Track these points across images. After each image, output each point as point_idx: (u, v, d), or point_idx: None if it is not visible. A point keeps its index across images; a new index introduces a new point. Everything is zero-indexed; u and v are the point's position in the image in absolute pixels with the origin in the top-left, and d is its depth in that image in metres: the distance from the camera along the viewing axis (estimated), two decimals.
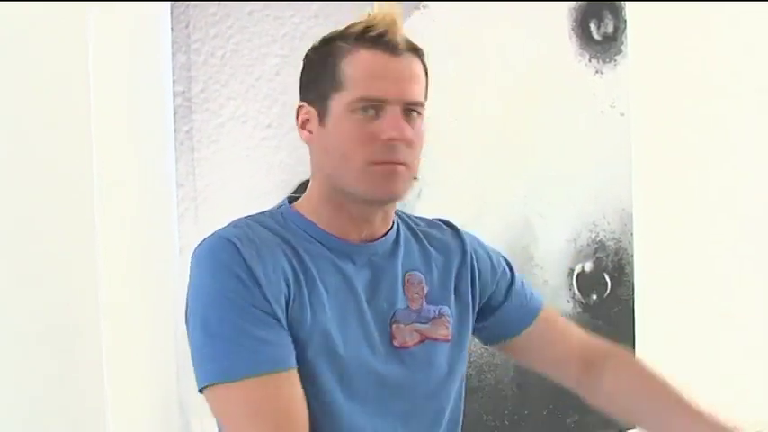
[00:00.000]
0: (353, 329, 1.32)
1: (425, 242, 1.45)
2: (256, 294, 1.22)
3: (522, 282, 1.59)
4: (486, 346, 2.73)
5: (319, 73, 1.32)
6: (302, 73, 1.37)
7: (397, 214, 1.45)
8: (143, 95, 2.26)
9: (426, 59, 1.37)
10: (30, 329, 2.14)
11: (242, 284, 1.22)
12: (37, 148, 2.15)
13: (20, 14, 2.08)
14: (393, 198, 1.33)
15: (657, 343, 3.16)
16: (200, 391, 1.23)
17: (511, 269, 1.57)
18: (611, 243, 3.06)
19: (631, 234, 3.09)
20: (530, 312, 1.57)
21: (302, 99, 1.36)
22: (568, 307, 2.97)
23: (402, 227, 1.44)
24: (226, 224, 1.33)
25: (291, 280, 1.26)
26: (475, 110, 2.75)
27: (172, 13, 2.23)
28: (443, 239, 1.48)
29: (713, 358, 3.37)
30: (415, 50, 1.33)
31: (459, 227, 1.54)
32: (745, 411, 3.46)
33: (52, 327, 2.17)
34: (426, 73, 1.36)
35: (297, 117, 1.36)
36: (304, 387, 1.25)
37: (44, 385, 2.17)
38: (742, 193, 3.47)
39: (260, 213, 1.37)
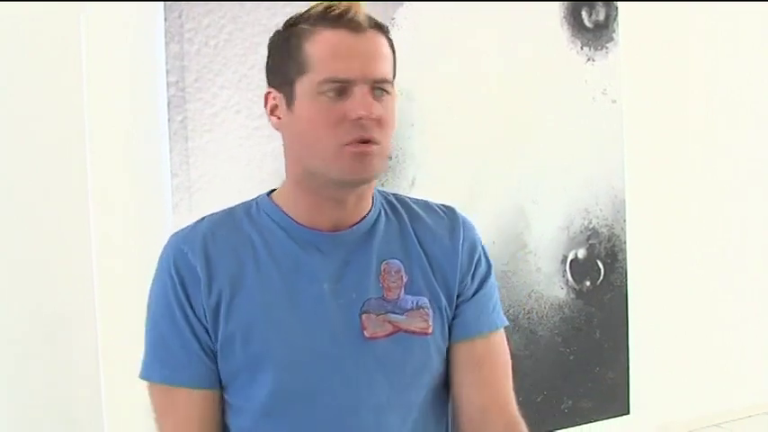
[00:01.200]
0: (304, 321, 1.29)
1: (411, 229, 1.38)
2: (187, 309, 1.29)
3: (490, 297, 1.42)
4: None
5: (284, 57, 1.29)
6: (268, 58, 1.33)
7: (387, 196, 1.41)
8: (137, 85, 2.25)
9: (391, 36, 1.31)
10: (23, 322, 2.15)
11: (175, 296, 1.29)
12: (30, 140, 2.15)
13: (14, 6, 2.08)
14: (366, 179, 1.28)
15: (650, 328, 3.18)
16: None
17: (487, 276, 1.42)
18: (604, 230, 3.07)
19: (624, 221, 3.10)
20: (475, 327, 1.39)
21: (270, 85, 1.32)
22: (562, 293, 2.98)
23: (387, 211, 1.39)
24: (198, 219, 1.37)
25: (228, 283, 1.29)
26: (468, 97, 2.76)
27: (165, 4, 2.22)
28: (434, 227, 1.40)
29: (705, 343, 3.39)
30: (380, 27, 1.28)
31: (460, 215, 1.44)
32: (737, 395, 3.50)
33: (47, 318, 2.17)
34: (393, 51, 1.31)
35: (265, 104, 1.33)
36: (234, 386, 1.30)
37: (40, 380, 2.17)
38: (733, 180, 3.49)
39: (237, 205, 1.39)
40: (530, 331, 2.91)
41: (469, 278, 1.40)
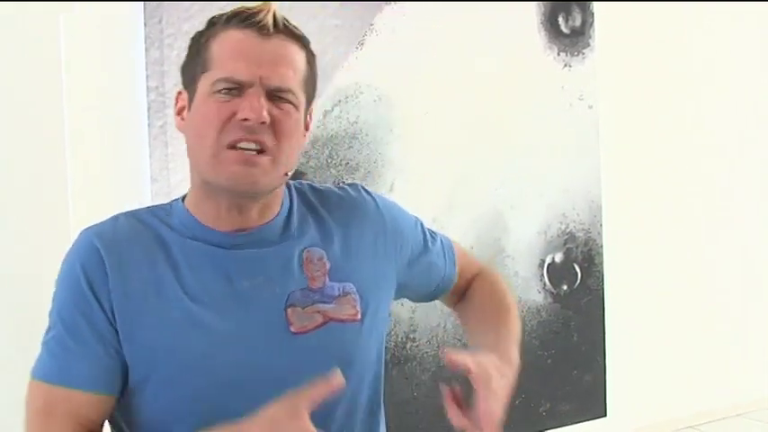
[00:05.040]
0: (227, 322, 1.22)
1: (324, 214, 1.34)
2: (93, 307, 1.21)
3: (438, 247, 1.49)
4: (459, 337, 2.79)
5: (193, 55, 1.24)
6: (184, 59, 1.28)
7: (294, 187, 1.36)
8: (117, 91, 2.26)
9: (311, 49, 1.26)
10: (3, 326, 2.14)
11: (80, 293, 1.21)
12: (8, 144, 2.15)
13: None
14: (250, 189, 1.21)
15: (627, 331, 3.21)
16: None
17: (419, 226, 1.47)
18: (580, 234, 3.10)
19: (601, 225, 3.13)
20: (449, 282, 1.51)
21: (183, 85, 1.28)
22: (539, 297, 3.01)
23: (297, 203, 1.34)
24: (109, 216, 1.31)
25: (141, 286, 1.21)
26: (446, 103, 2.77)
27: (145, 9, 2.23)
28: (347, 206, 1.37)
29: (681, 346, 3.42)
30: (295, 36, 1.23)
31: (366, 188, 1.42)
32: (713, 397, 3.53)
33: (27, 323, 2.17)
34: (310, 65, 1.26)
35: (175, 104, 1.29)
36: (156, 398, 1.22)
37: (21, 385, 2.17)
38: (710, 184, 3.52)
39: (148, 208, 1.33)
40: None
41: (408, 238, 1.41)
